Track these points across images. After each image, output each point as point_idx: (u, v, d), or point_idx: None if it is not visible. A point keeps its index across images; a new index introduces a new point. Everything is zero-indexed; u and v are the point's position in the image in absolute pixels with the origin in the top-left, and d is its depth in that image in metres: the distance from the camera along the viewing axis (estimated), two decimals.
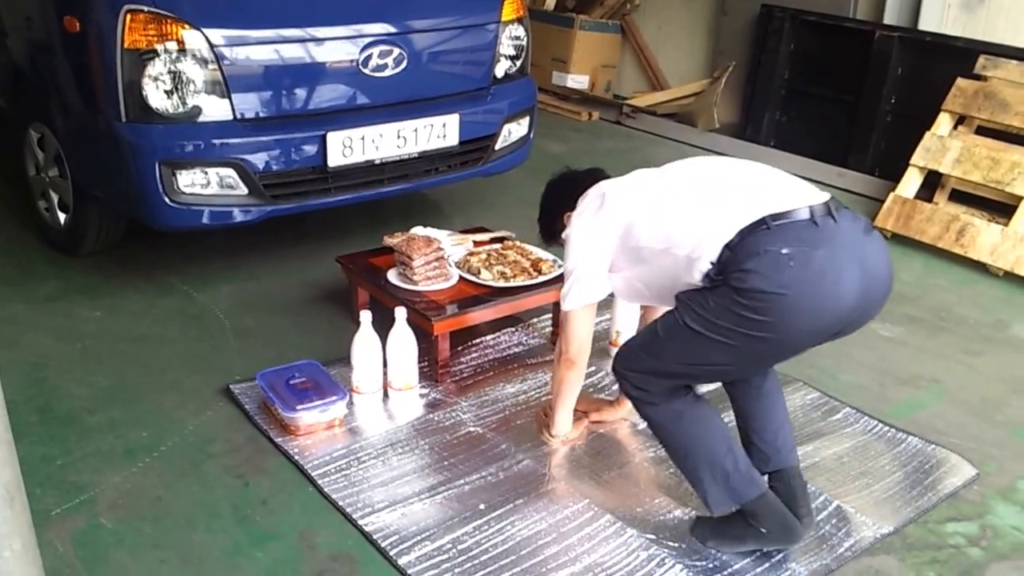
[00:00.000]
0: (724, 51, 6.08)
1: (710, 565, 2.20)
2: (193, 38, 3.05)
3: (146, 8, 3.01)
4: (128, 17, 3.00)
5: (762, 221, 1.93)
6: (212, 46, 3.07)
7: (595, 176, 2.43)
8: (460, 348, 3.09)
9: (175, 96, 3.08)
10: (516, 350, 3.15)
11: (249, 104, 3.19)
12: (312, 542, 2.25)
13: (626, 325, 3.09)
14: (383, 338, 2.75)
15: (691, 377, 2.20)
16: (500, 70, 3.84)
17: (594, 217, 2.24)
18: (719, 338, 1.97)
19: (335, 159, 3.32)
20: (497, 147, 3.84)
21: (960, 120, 4.43)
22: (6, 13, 3.71)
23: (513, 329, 3.25)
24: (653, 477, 2.52)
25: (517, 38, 3.87)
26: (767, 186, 2.08)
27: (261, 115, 3.23)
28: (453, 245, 3.26)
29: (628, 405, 2.58)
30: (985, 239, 3.99)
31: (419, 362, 2.84)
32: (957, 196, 4.42)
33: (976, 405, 2.96)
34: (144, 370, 2.97)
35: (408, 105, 3.51)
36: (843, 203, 2.04)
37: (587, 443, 2.65)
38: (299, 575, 2.16)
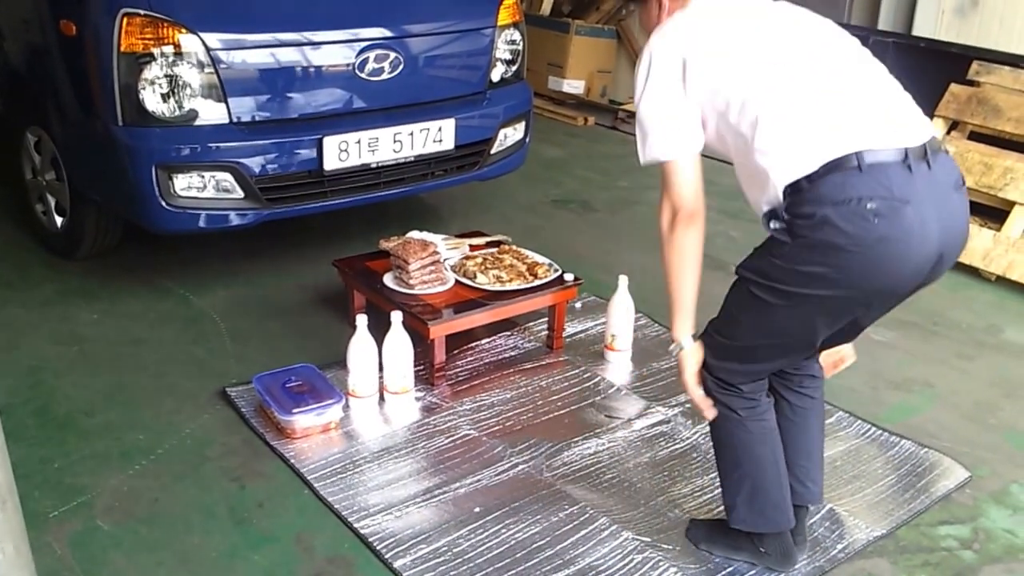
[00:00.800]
0: None
1: (704, 568, 2.21)
2: (189, 42, 3.06)
3: (143, 12, 3.01)
4: (125, 21, 3.00)
5: (853, 156, 1.70)
6: (208, 50, 3.08)
7: None
8: (456, 352, 3.10)
9: (171, 100, 3.09)
10: (512, 354, 3.17)
11: (245, 108, 3.20)
12: (308, 545, 2.26)
13: (622, 329, 3.11)
14: (379, 342, 2.76)
15: (774, 353, 1.99)
16: (496, 75, 3.85)
17: (677, 53, 1.90)
18: (788, 304, 1.83)
19: (331, 163, 3.33)
20: (493, 151, 3.85)
21: (953, 125, 4.46)
22: (2, 16, 3.71)
23: (509, 333, 3.27)
24: (648, 480, 2.54)
25: (513, 43, 3.89)
26: (869, 102, 1.82)
27: (257, 119, 3.24)
28: (449, 249, 3.27)
29: None
30: (977, 244, 4.01)
31: (415, 366, 2.85)
32: None
33: (968, 409, 2.98)
34: (141, 373, 2.98)
35: (404, 109, 3.52)
36: (936, 143, 1.81)
37: (581, 447, 2.66)
38: None
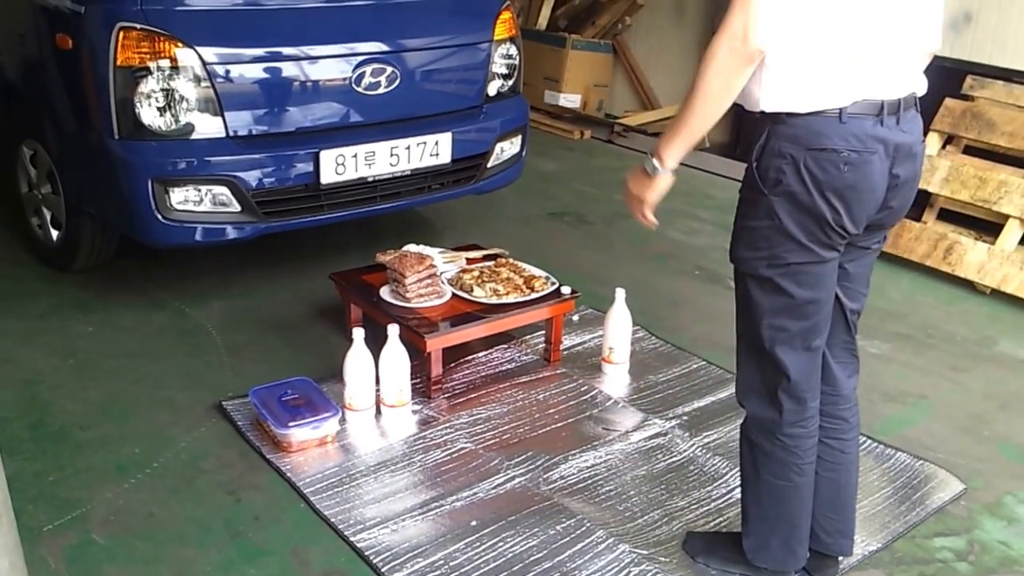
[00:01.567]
0: None
1: None
2: (186, 56, 3.07)
3: (139, 26, 3.02)
4: (121, 35, 3.01)
5: (837, 110, 1.77)
6: (205, 64, 3.09)
7: None
8: (453, 365, 3.10)
9: (168, 113, 3.10)
10: (509, 367, 3.17)
11: (242, 121, 3.21)
12: (304, 559, 2.25)
13: (619, 342, 3.11)
14: (376, 355, 2.76)
15: (801, 329, 1.95)
16: (492, 89, 3.87)
17: None
18: (788, 271, 1.87)
19: (328, 176, 3.34)
20: (490, 165, 3.86)
21: (948, 140, 4.48)
22: None
23: (506, 346, 3.27)
24: (645, 493, 2.53)
25: (509, 57, 3.90)
26: (881, 50, 1.81)
27: (254, 132, 3.24)
28: (446, 262, 3.27)
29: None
30: (972, 257, 4.03)
31: (412, 379, 2.84)
32: (945, 215, 4.46)
33: (963, 421, 2.99)
34: (137, 386, 2.97)
35: (401, 123, 3.53)
36: (915, 100, 1.89)
37: (578, 459, 2.66)
38: None
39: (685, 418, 2.90)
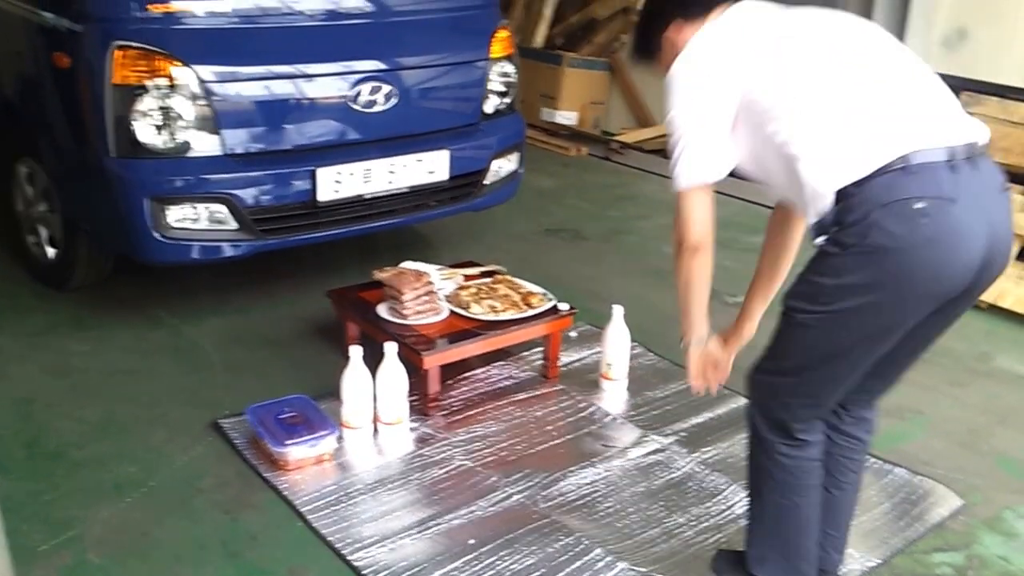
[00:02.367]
0: None
1: None
2: (183, 74, 3.08)
3: (136, 44, 3.03)
4: (118, 53, 3.02)
5: (900, 160, 1.68)
6: (202, 82, 3.10)
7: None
8: (450, 382, 3.09)
9: (164, 131, 3.10)
10: (506, 384, 3.16)
11: (239, 139, 3.21)
12: None
13: (618, 357, 3.11)
14: (373, 372, 2.75)
15: (829, 378, 1.92)
16: (489, 106, 3.88)
17: (704, 74, 1.89)
18: (838, 322, 1.79)
19: (325, 194, 3.34)
20: (487, 182, 3.87)
21: None
22: None
23: (503, 363, 3.26)
24: (644, 510, 2.52)
25: (506, 75, 3.92)
26: (915, 101, 1.79)
27: (251, 150, 3.25)
28: (443, 279, 3.27)
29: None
30: None
31: (409, 396, 2.83)
32: None
33: (961, 436, 2.98)
34: (133, 404, 2.96)
35: (398, 141, 3.54)
36: (981, 147, 1.80)
37: (577, 476, 2.65)
38: None
39: (683, 434, 2.89)
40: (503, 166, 3.93)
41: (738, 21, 1.92)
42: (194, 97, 3.10)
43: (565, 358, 3.30)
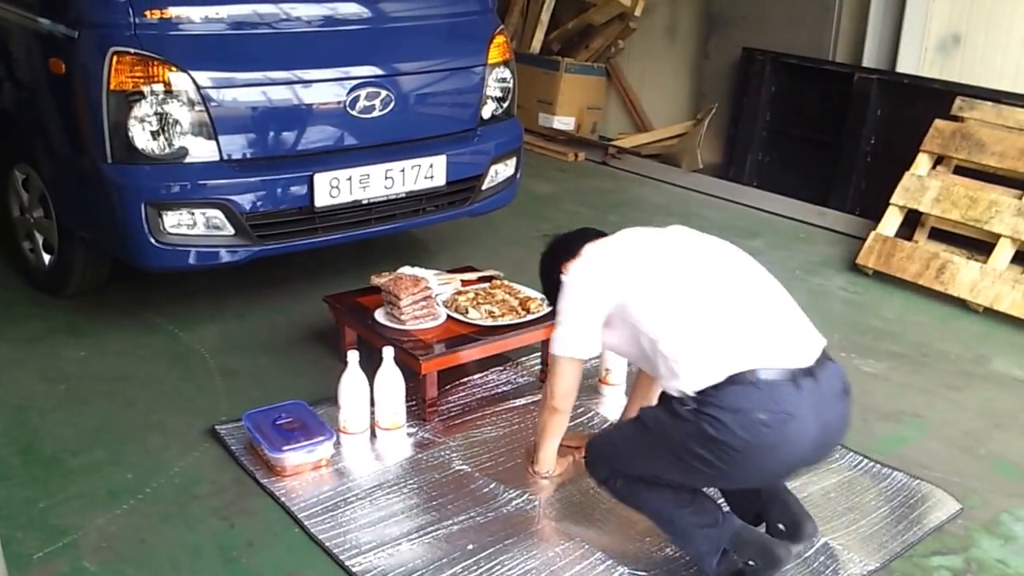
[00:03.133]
0: (707, 93, 6.17)
1: None
2: (180, 80, 3.08)
3: (133, 50, 3.03)
4: (115, 59, 3.02)
5: (751, 373, 1.96)
6: (199, 88, 3.10)
7: (585, 236, 2.39)
8: (448, 387, 3.09)
9: (161, 137, 3.10)
10: (504, 389, 3.16)
11: (236, 145, 3.21)
12: None
13: (616, 364, 3.10)
14: (371, 378, 2.74)
15: (654, 481, 2.21)
16: (487, 112, 3.88)
17: (590, 283, 2.24)
18: (679, 460, 2.05)
19: (322, 200, 3.34)
20: (484, 187, 3.87)
21: (938, 160, 4.51)
22: None
23: (501, 368, 3.26)
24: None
25: (503, 80, 3.92)
26: (769, 321, 2.08)
27: (248, 156, 3.25)
28: (441, 284, 3.27)
29: None
30: (964, 276, 4.04)
31: (407, 401, 2.83)
32: (937, 234, 4.48)
33: (959, 439, 2.98)
34: (129, 411, 2.95)
35: (396, 146, 3.54)
36: (829, 355, 2.07)
37: (575, 481, 2.64)
38: None
39: None
40: (500, 171, 3.93)
41: (617, 242, 2.30)
42: (191, 103, 3.10)
43: None
